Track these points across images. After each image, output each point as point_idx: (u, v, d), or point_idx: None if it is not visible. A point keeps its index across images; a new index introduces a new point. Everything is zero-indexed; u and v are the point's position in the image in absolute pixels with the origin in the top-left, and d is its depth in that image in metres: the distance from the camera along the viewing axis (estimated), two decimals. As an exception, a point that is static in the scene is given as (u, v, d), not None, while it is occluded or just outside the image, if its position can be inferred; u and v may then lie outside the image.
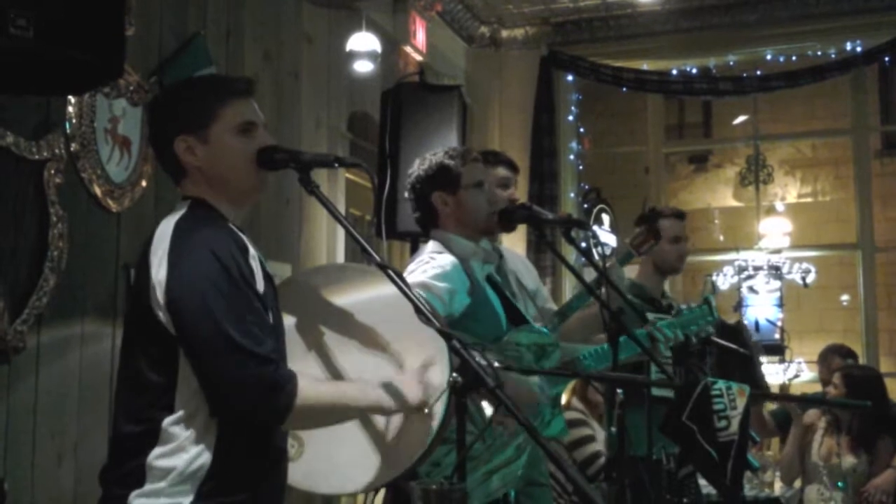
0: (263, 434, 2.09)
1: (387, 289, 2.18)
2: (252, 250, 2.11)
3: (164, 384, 2.01)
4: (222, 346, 1.94)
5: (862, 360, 6.70)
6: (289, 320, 2.32)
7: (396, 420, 2.23)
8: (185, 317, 1.97)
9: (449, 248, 3.10)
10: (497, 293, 3.21)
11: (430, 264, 3.00)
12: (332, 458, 2.28)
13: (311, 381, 2.08)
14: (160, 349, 2.01)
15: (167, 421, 2.00)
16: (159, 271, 2.00)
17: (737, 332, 4.56)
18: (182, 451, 1.99)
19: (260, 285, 2.08)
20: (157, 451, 1.99)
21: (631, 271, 4.32)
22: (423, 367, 2.21)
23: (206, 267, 1.98)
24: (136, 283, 2.08)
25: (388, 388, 2.16)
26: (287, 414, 2.00)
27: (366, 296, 2.32)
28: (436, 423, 2.19)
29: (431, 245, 3.14)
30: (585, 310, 3.52)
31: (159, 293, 1.99)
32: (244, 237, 2.13)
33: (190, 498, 1.98)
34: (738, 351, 4.30)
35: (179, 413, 2.00)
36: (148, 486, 1.98)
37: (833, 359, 5.84)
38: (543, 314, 3.61)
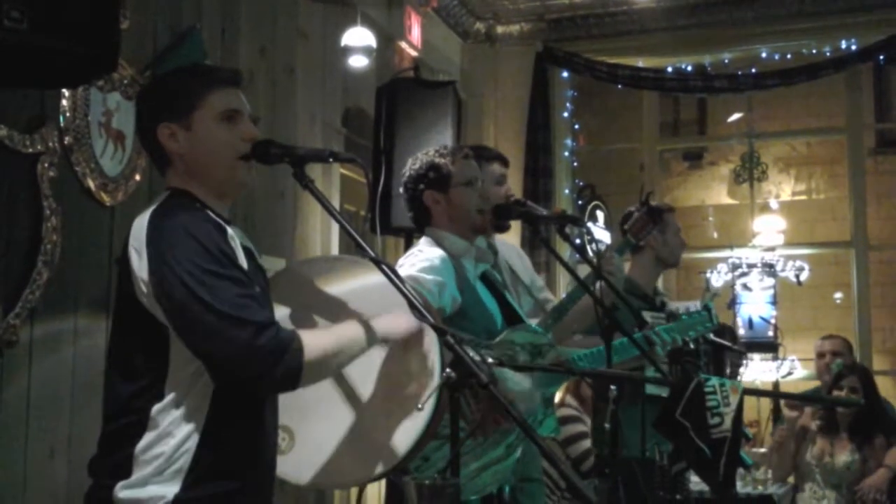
0: (252, 422, 2.09)
1: (378, 277, 2.19)
2: (230, 231, 2.11)
3: (154, 373, 2.02)
4: (218, 323, 1.94)
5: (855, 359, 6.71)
6: (282, 310, 2.32)
7: (388, 414, 2.23)
8: (173, 302, 1.96)
9: (441, 245, 3.10)
10: (493, 292, 3.21)
11: (419, 257, 3.02)
12: (323, 452, 2.28)
13: (311, 335, 2.07)
14: (149, 339, 2.01)
15: (156, 408, 2.00)
16: (140, 261, 2.00)
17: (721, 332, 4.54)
18: (169, 436, 1.99)
19: (242, 262, 2.07)
20: (145, 440, 1.99)
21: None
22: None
23: (185, 249, 1.98)
24: (120, 276, 2.08)
25: (383, 319, 2.19)
26: (299, 374, 2.00)
27: (357, 284, 2.33)
28: (426, 417, 2.19)
29: (423, 241, 3.15)
30: (582, 301, 3.52)
31: (143, 283, 1.99)
32: (223, 222, 2.12)
33: (176, 488, 1.98)
34: (731, 348, 4.31)
35: (167, 400, 2.00)
36: (135, 477, 1.98)
37: (831, 338, 5.80)
38: (540, 304, 3.61)
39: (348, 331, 2.17)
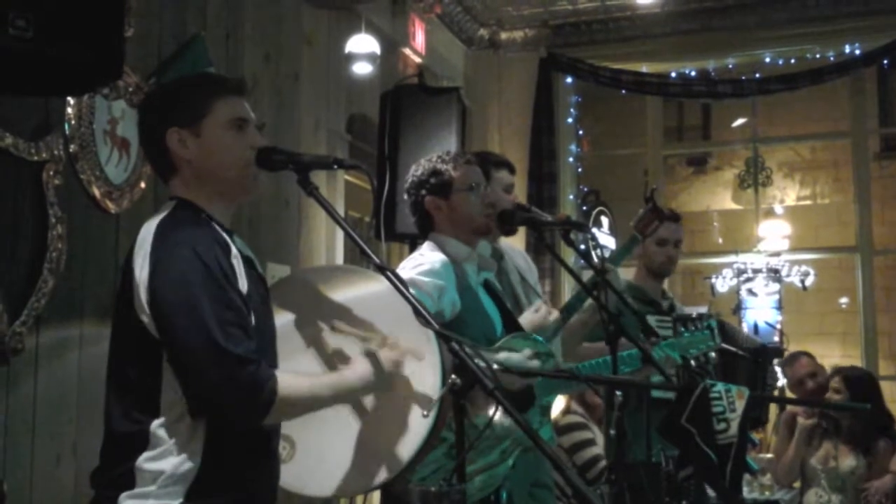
0: (253, 436, 2.09)
1: (379, 286, 2.19)
2: (234, 249, 2.10)
3: (149, 387, 2.01)
4: (202, 346, 1.93)
5: (861, 363, 6.70)
6: (287, 317, 2.32)
7: (389, 422, 2.23)
8: (166, 316, 1.96)
9: (443, 250, 3.11)
10: (495, 300, 3.21)
11: (419, 260, 3.02)
12: (324, 461, 2.28)
13: (290, 377, 2.06)
14: (144, 352, 2.01)
15: (155, 424, 2.00)
16: (142, 272, 2.00)
17: (763, 355, 4.49)
18: (170, 454, 1.99)
19: (242, 285, 2.07)
20: (146, 454, 1.99)
21: (628, 273, 4.31)
22: (400, 352, 2.22)
23: (187, 266, 1.98)
24: (122, 286, 2.08)
25: (363, 368, 2.18)
26: (266, 413, 1.99)
27: (360, 293, 2.33)
28: (429, 423, 2.18)
29: (425, 245, 3.16)
30: (587, 314, 3.52)
31: (142, 294, 1.99)
32: (227, 237, 2.12)
33: (179, 500, 1.98)
34: (744, 356, 4.29)
35: (166, 416, 2.00)
36: (138, 489, 1.99)
37: (799, 358, 5.73)
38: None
39: (328, 379, 2.18)
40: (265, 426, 2.11)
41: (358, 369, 2.19)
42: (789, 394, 5.93)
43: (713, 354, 3.88)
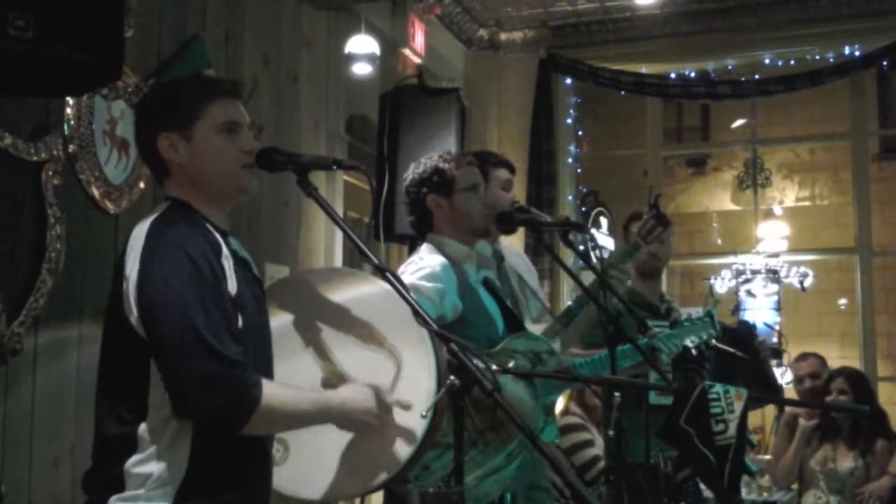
0: (244, 438, 2.06)
1: (377, 287, 2.19)
2: (226, 250, 2.09)
3: (138, 389, 2.00)
4: (190, 346, 1.92)
5: (859, 364, 6.70)
6: (285, 318, 2.32)
7: (386, 422, 2.22)
8: (154, 316, 1.95)
9: (442, 251, 3.10)
10: (495, 299, 3.21)
11: (419, 265, 3.02)
12: (318, 463, 2.26)
13: (275, 387, 2.05)
14: (134, 353, 2.00)
15: (143, 427, 1.99)
16: (132, 272, 1.99)
17: (748, 333, 4.53)
18: (158, 456, 1.98)
19: (232, 285, 2.06)
20: (134, 457, 1.99)
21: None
22: (381, 388, 2.20)
23: (176, 266, 1.97)
24: (113, 286, 2.07)
25: (350, 398, 2.15)
26: (248, 417, 1.96)
27: (358, 294, 2.32)
28: (426, 425, 2.18)
29: (424, 247, 3.15)
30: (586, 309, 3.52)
31: (131, 293, 1.98)
32: (220, 237, 2.11)
33: (168, 502, 1.97)
34: (741, 355, 4.29)
35: (154, 418, 1.99)
36: (127, 492, 1.98)
37: (807, 358, 5.74)
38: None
39: (313, 399, 2.15)
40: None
41: (344, 393, 2.17)
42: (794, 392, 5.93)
43: (713, 341, 3.87)
